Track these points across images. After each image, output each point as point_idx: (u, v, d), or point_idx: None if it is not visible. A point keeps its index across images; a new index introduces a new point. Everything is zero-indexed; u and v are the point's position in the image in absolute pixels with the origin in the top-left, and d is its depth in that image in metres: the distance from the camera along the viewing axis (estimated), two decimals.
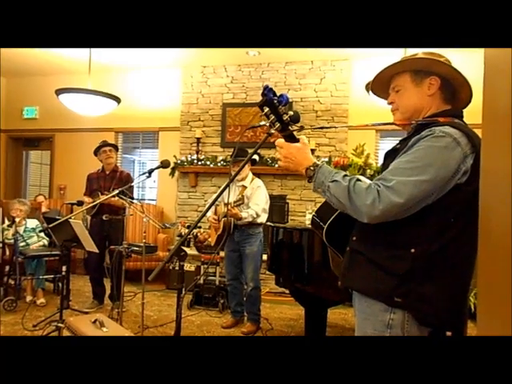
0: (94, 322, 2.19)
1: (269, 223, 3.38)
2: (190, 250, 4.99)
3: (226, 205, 3.39)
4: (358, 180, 1.20)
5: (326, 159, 5.01)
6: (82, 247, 3.14)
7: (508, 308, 0.63)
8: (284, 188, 5.36)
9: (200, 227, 5.17)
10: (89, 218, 4.29)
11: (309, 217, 4.08)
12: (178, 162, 5.56)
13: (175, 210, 5.80)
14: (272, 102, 1.24)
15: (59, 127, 6.29)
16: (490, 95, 0.73)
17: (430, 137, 1.15)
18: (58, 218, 3.22)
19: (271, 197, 3.92)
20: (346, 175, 1.22)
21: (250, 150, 1.83)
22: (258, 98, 1.24)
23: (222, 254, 3.99)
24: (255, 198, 3.54)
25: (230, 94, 5.64)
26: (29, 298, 4.19)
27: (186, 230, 5.22)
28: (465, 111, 1.32)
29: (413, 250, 1.15)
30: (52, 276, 4.41)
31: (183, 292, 1.61)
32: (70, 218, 3.02)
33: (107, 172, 4.17)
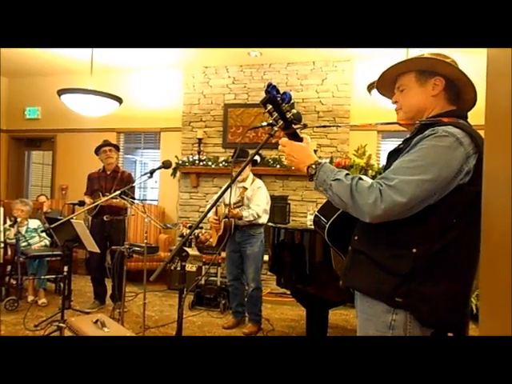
0: (96, 322, 2.19)
1: (270, 224, 3.37)
2: (192, 251, 5.00)
3: (227, 206, 3.39)
4: (361, 179, 1.20)
5: (328, 160, 5.01)
6: (84, 247, 3.15)
7: (510, 309, 0.63)
8: (285, 189, 5.36)
9: (201, 228, 5.17)
10: (90, 218, 4.30)
11: (310, 218, 4.08)
12: (180, 162, 5.56)
13: (177, 211, 5.81)
14: (275, 99, 1.23)
15: (61, 127, 6.30)
16: (493, 96, 0.73)
17: (432, 136, 1.14)
18: (59, 218, 3.22)
19: (273, 197, 3.92)
20: (348, 174, 1.22)
21: (252, 151, 1.83)
22: (260, 99, 1.24)
23: (224, 254, 3.99)
24: (256, 199, 3.53)
25: (231, 94, 5.64)
26: (30, 298, 4.19)
27: (188, 231, 5.21)
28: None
29: (414, 250, 1.14)
30: (53, 276, 4.41)
31: (185, 292, 1.60)
32: (72, 218, 3.03)
33: (108, 172, 4.17)
